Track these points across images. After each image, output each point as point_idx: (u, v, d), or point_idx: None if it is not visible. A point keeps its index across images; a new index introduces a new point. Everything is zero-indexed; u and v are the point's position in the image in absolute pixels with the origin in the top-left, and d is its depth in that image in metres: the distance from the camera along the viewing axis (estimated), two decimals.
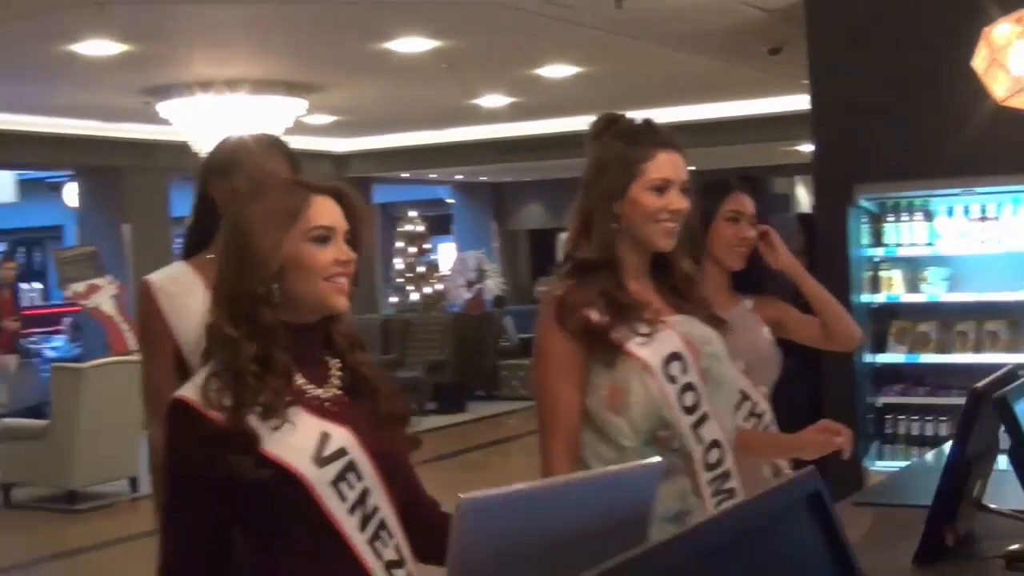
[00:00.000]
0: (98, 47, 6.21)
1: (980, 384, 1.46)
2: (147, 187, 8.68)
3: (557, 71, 6.64)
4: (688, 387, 1.76)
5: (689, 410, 1.75)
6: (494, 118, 9.19)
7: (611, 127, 1.84)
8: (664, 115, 9.85)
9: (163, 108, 7.02)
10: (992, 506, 1.45)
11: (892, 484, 2.88)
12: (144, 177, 8.64)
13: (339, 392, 1.50)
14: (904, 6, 4.20)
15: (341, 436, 1.44)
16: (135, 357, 3.67)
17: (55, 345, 9.36)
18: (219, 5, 5.30)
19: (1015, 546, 1.19)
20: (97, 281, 7.41)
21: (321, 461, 1.40)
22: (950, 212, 4.65)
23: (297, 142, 8.24)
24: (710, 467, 1.77)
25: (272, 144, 2.12)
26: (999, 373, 1.61)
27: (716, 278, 2.39)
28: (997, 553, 1.27)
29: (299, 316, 1.46)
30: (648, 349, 1.75)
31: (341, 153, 10.82)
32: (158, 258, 8.76)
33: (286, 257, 1.41)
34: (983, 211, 4.56)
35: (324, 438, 1.42)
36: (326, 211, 1.45)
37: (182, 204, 8.17)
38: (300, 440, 1.40)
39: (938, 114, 4.34)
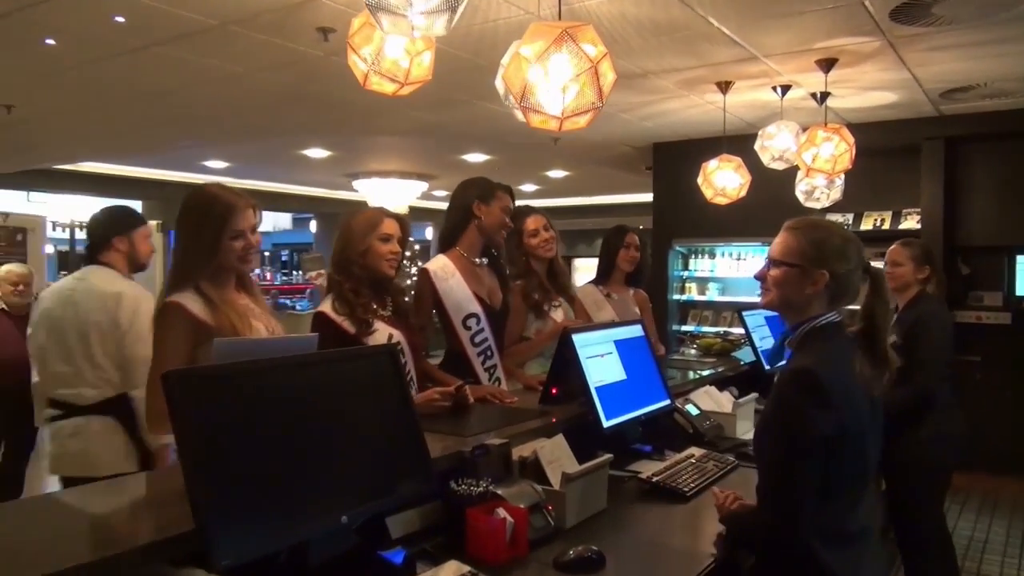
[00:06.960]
0: (318, 153, 9.83)
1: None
2: None
3: (556, 173, 11.32)
4: None
5: None
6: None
7: None
8: (603, 199, 16.49)
9: (356, 184, 11.63)
10: None
11: None
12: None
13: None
14: (698, 148, 8.50)
15: (397, 335, 2.77)
16: None
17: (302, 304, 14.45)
18: (386, 135, 8.83)
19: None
20: (321, 271, 11.51)
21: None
22: (723, 254, 8.92)
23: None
24: None
25: (506, 188, 3.29)
26: None
27: (620, 279, 4.33)
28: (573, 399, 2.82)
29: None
30: None
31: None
32: None
33: None
34: (740, 255, 8.82)
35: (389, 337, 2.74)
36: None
37: None
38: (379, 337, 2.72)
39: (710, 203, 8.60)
